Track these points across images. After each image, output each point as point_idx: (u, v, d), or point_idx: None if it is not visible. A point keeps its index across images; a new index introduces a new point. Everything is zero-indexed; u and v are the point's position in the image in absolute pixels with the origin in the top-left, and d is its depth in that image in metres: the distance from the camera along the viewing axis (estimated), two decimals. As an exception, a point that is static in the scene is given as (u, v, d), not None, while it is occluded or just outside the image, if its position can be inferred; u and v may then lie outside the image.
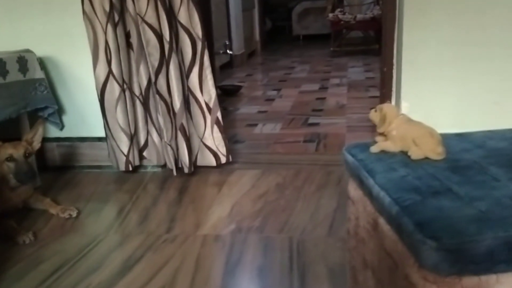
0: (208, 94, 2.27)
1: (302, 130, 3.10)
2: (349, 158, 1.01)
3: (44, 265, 1.66)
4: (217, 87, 3.48)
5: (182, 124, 2.24)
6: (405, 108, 2.28)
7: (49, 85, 2.37)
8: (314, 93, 4.21)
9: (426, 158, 0.95)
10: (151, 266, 1.62)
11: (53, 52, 2.42)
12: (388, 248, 0.84)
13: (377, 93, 3.79)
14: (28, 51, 2.26)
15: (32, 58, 2.26)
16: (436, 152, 0.95)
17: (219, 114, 2.32)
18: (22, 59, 2.20)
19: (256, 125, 3.27)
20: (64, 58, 2.43)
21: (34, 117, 2.38)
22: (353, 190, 1.02)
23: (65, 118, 2.51)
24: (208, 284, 1.51)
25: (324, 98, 3.98)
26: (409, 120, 1.00)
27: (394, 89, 2.45)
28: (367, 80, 4.63)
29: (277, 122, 3.31)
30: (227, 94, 4.26)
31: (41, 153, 2.51)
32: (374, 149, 1.00)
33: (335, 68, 5.46)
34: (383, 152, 1.00)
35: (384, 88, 2.48)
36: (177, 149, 2.30)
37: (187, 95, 2.27)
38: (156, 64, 2.15)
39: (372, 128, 2.98)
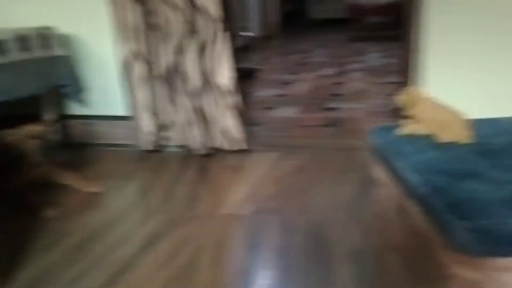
0: (226, 76, 2.29)
1: (320, 114, 3.10)
2: (376, 140, 1.03)
3: (69, 238, 1.72)
4: (235, 69, 3.50)
5: (200, 106, 2.26)
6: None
7: (72, 63, 2.40)
8: (332, 78, 4.19)
9: (454, 141, 0.96)
10: (175, 242, 1.66)
11: (76, 30, 2.44)
12: (416, 230, 0.85)
13: (396, 79, 3.77)
14: (49, 28, 2.28)
15: (53, 35, 2.28)
16: (464, 135, 0.96)
17: (237, 97, 2.33)
18: (44, 36, 2.22)
19: (273, 108, 3.28)
20: (86, 36, 2.46)
21: (59, 95, 2.42)
22: (379, 172, 1.04)
23: (87, 96, 2.54)
24: (230, 262, 1.54)
25: (342, 83, 3.96)
26: (437, 104, 1.01)
27: (415, 74, 2.44)
28: (386, 66, 4.59)
29: (294, 106, 3.31)
30: (243, 77, 4.25)
31: (64, 130, 2.56)
32: (401, 131, 1.02)
33: (353, 53, 5.41)
34: (410, 135, 1.01)
35: (406, 74, 2.46)
36: (195, 131, 2.32)
37: (205, 77, 2.28)
38: (178, 44, 2.17)
39: (392, 114, 2.98)
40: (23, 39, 2.08)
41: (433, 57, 2.24)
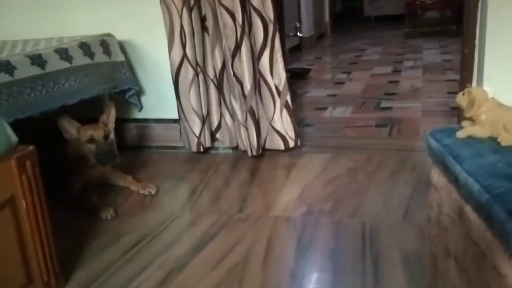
0: (278, 77, 2.27)
1: (374, 114, 3.03)
2: (434, 143, 0.98)
3: (125, 238, 1.77)
4: (286, 70, 3.48)
5: (251, 107, 2.26)
6: (488, 92, 2.15)
7: (130, 67, 2.48)
8: (386, 76, 4.08)
9: (518, 144, 0.90)
10: (225, 243, 1.67)
11: (131, 36, 2.52)
12: (475, 237, 0.80)
13: (455, 76, 3.61)
14: (109, 35, 2.37)
15: (113, 41, 2.37)
16: (529, 138, 0.89)
17: (288, 98, 2.31)
18: (105, 43, 2.31)
19: (325, 108, 3.24)
20: (141, 41, 2.53)
21: (115, 99, 2.51)
22: (437, 176, 0.99)
23: (142, 100, 2.62)
24: (280, 264, 1.54)
25: (397, 81, 3.85)
26: (500, 105, 0.95)
27: (475, 72, 2.32)
28: (444, 63, 4.41)
29: (347, 105, 3.25)
30: (296, 77, 4.23)
31: (120, 133, 2.65)
32: (461, 134, 0.96)
33: (409, 50, 5.25)
34: (470, 137, 0.95)
35: (464, 71, 2.35)
36: (247, 132, 2.33)
37: (257, 78, 2.28)
38: (232, 46, 2.18)
39: (450, 113, 2.87)
40: (86, 46, 2.18)
41: (492, 54, 2.12)
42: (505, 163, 0.83)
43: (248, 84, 2.21)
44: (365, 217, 1.76)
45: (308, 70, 4.42)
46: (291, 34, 3.93)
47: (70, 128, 2.05)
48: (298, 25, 4.62)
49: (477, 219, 0.80)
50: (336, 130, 2.78)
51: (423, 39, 5.79)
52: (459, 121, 2.52)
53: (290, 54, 5.06)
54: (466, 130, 0.96)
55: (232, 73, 2.22)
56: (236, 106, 2.29)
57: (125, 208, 2.02)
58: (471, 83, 2.38)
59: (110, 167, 2.20)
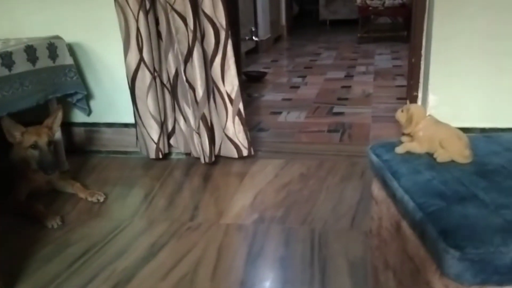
0: (231, 84, 2.26)
1: (327, 119, 3.08)
2: (374, 158, 1.01)
3: (71, 248, 1.72)
4: (241, 74, 3.49)
5: (204, 114, 2.24)
6: (432, 101, 2.24)
7: (78, 71, 2.41)
8: (340, 81, 4.16)
9: (453, 161, 0.93)
10: (175, 253, 1.65)
11: (83, 39, 2.45)
12: (411, 252, 0.83)
13: (405, 82, 3.72)
14: (58, 37, 2.29)
15: (61, 44, 2.30)
16: (463, 155, 0.93)
17: (241, 106, 2.30)
18: (52, 46, 2.24)
19: (280, 113, 3.27)
20: (93, 44, 2.47)
21: (64, 102, 2.43)
22: (377, 190, 1.02)
23: (93, 104, 2.55)
24: (230, 274, 1.54)
25: (350, 87, 3.94)
26: (437, 122, 0.99)
27: (421, 80, 2.41)
28: (395, 68, 4.55)
29: (302, 110, 3.29)
30: (252, 81, 4.25)
31: (69, 137, 2.58)
32: (399, 149, 0.99)
33: (362, 55, 5.38)
34: (408, 153, 0.99)
35: (411, 79, 2.44)
36: (200, 138, 2.31)
37: (211, 85, 2.27)
38: (185, 52, 2.16)
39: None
40: (31, 50, 2.10)
41: (437, 63, 2.20)
42: (440, 181, 0.86)
43: (200, 91, 2.20)
44: (315, 224, 1.79)
45: (264, 74, 4.45)
46: (247, 38, 3.94)
47: (13, 131, 1.97)
48: (254, 29, 4.64)
49: (412, 235, 0.83)
50: (290, 135, 2.81)
51: (375, 44, 5.95)
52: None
53: (246, 56, 5.08)
54: (405, 146, 1.00)
55: (185, 78, 2.20)
56: (189, 112, 2.27)
57: (73, 216, 1.97)
58: (417, 91, 2.47)
59: (57, 173, 2.13)
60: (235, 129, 2.31)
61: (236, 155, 2.36)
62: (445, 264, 0.70)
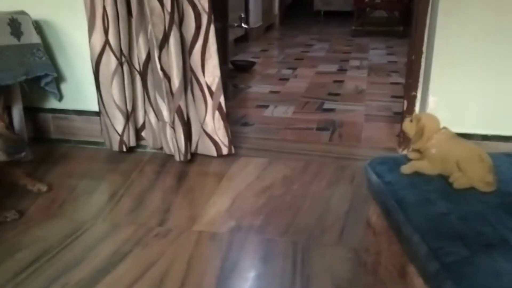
0: (212, 75, 2.04)
1: (316, 115, 2.89)
2: (374, 178, 0.82)
3: (21, 253, 1.51)
4: (228, 62, 3.26)
5: (179, 107, 2.02)
6: (432, 103, 2.06)
7: (46, 51, 2.18)
8: (331, 75, 3.97)
9: (472, 188, 0.75)
10: (138, 264, 1.45)
11: (50, 16, 2.21)
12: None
13: (400, 80, 3.55)
14: (22, 13, 2.06)
15: (26, 20, 2.07)
16: (485, 181, 0.75)
17: (222, 100, 2.08)
18: (15, 21, 2.00)
19: (267, 106, 3.06)
20: (62, 22, 2.23)
21: (32, 85, 2.20)
22: (376, 217, 0.83)
23: (62, 89, 2.33)
24: (199, 291, 1.34)
25: (342, 81, 3.74)
26: (453, 137, 0.80)
27: (421, 80, 2.22)
28: (389, 64, 4.37)
29: (289, 104, 3.10)
30: (239, 70, 4.04)
31: (34, 124, 2.35)
32: (406, 169, 0.80)
33: (355, 49, 5.18)
34: (416, 173, 0.80)
35: (410, 78, 2.24)
36: (174, 133, 2.09)
37: (189, 75, 2.05)
38: (160, 36, 1.93)
39: (392, 119, 2.77)
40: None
41: (440, 62, 2.02)
42: (458, 216, 0.67)
43: (176, 81, 1.97)
44: (298, 236, 1.60)
45: (253, 64, 4.24)
46: (236, 24, 3.70)
47: None
48: (243, 16, 4.41)
49: (423, 286, 0.64)
50: (276, 132, 2.61)
51: (370, 38, 5.76)
52: (401, 130, 2.43)
53: (235, 45, 4.86)
54: (413, 165, 0.81)
55: (159, 66, 1.97)
56: (162, 105, 2.04)
57: (28, 215, 1.75)
58: (416, 91, 2.28)
59: (9, 163, 1.90)
60: (214, 125, 2.10)
61: (215, 153, 2.15)
62: None
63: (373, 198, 0.84)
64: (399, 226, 0.69)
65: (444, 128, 0.81)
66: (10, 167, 1.96)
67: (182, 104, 2.02)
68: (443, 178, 0.78)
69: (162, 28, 1.91)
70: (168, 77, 1.98)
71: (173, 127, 2.05)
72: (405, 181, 0.78)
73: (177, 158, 2.12)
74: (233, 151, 2.17)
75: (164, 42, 1.94)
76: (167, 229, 1.65)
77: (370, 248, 0.86)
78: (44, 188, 1.90)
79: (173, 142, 2.09)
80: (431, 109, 2.05)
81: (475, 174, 0.74)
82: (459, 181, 0.75)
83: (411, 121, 0.82)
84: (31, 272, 1.41)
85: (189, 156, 2.12)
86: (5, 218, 1.68)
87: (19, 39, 2.04)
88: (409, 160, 0.82)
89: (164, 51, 1.95)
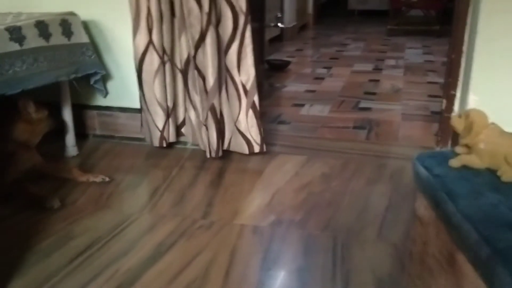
0: (246, 74, 2.08)
1: (352, 114, 2.90)
2: (422, 171, 0.84)
3: (74, 242, 1.60)
4: (264, 62, 3.31)
5: (213, 105, 2.07)
6: (473, 101, 2.05)
7: (94, 50, 2.27)
8: (367, 74, 3.96)
9: (521, 181, 0.77)
10: (184, 254, 1.52)
11: (97, 16, 2.31)
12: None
13: (437, 79, 3.52)
14: (72, 14, 2.16)
15: (76, 21, 2.16)
16: (534, 174, 0.77)
17: (256, 98, 2.11)
18: (66, 22, 2.10)
19: (303, 105, 3.09)
20: (108, 23, 2.32)
21: (79, 83, 2.31)
22: (423, 208, 0.86)
23: (107, 87, 2.42)
24: (243, 281, 1.39)
25: (378, 80, 3.73)
26: (502, 132, 0.82)
27: (461, 79, 2.21)
28: (426, 64, 4.32)
29: (326, 103, 3.12)
30: (274, 69, 4.08)
31: (81, 121, 2.46)
32: (454, 163, 0.83)
33: (391, 48, 5.14)
34: (465, 167, 0.82)
35: (450, 76, 2.24)
36: (209, 131, 2.14)
37: (224, 74, 2.11)
38: (196, 36, 1.99)
39: (430, 118, 2.76)
40: (43, 25, 1.97)
41: (481, 62, 2.01)
42: (508, 206, 0.70)
43: (211, 79, 2.02)
44: (338, 231, 1.63)
45: (288, 63, 4.27)
46: (272, 24, 3.75)
47: (29, 108, 2.00)
48: (279, 15, 4.45)
49: (472, 272, 0.67)
50: (313, 130, 2.64)
51: (406, 37, 5.70)
52: (440, 128, 2.41)
53: (270, 44, 4.90)
54: (461, 158, 0.83)
55: (195, 66, 2.03)
56: (198, 102, 2.11)
57: (78, 206, 1.84)
58: (455, 90, 2.27)
59: (41, 158, 2.03)
60: (247, 123, 2.14)
61: (247, 151, 2.19)
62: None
63: (421, 190, 0.86)
64: (449, 216, 0.72)
65: (493, 123, 0.83)
66: (64, 164, 2.09)
67: (216, 102, 2.07)
68: (492, 172, 0.80)
69: (198, 29, 1.97)
70: (202, 76, 2.04)
71: (205, 125, 2.11)
72: (453, 174, 0.81)
73: (207, 154, 2.18)
74: (264, 149, 2.21)
75: (200, 42, 1.99)
76: (210, 221, 1.71)
77: (416, 238, 0.89)
78: (106, 178, 2.02)
79: (205, 139, 2.14)
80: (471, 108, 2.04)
81: (524, 167, 0.76)
82: (508, 174, 0.77)
83: (459, 117, 0.85)
84: (84, 259, 1.50)
85: (220, 153, 2.17)
86: (51, 205, 1.79)
87: (69, 39, 2.14)
88: (457, 154, 0.84)
89: (200, 50, 2.01)
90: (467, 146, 0.83)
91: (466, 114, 0.83)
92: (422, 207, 0.87)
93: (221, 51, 2.07)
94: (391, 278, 1.37)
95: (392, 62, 4.43)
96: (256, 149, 2.19)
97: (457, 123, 0.84)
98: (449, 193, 0.75)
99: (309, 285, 1.38)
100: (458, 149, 0.85)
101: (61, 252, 1.54)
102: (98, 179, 2.00)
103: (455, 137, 2.09)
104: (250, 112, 2.13)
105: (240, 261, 1.49)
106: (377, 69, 4.14)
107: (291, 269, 1.45)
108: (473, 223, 0.67)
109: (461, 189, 0.75)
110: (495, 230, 0.65)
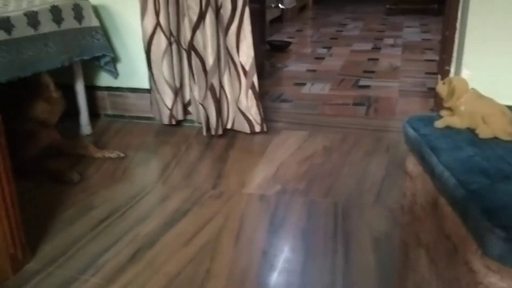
0: (246, 55, 2.17)
1: (352, 92, 3.02)
2: (411, 131, 0.96)
3: (94, 211, 1.73)
4: (265, 42, 3.40)
5: (212, 84, 2.18)
6: (465, 75, 2.16)
7: (104, 33, 2.38)
8: (366, 53, 4.06)
9: (495, 138, 0.89)
10: (197, 220, 1.65)
11: (107, 1, 2.41)
12: (448, 231, 0.80)
13: (434, 57, 3.62)
14: (83, -2, 2.26)
15: (87, 5, 2.27)
16: (507, 132, 0.89)
17: (255, 79, 2.21)
18: (78, 7, 2.20)
19: (304, 84, 3.20)
20: (116, 6, 2.43)
21: (91, 65, 2.42)
22: (412, 165, 0.98)
23: (117, 68, 2.53)
24: (252, 243, 1.53)
25: (376, 59, 3.83)
26: (480, 96, 0.94)
27: (455, 55, 2.31)
28: (424, 42, 4.41)
29: (326, 82, 3.23)
30: (275, 50, 4.17)
31: (93, 101, 2.57)
32: (439, 124, 0.95)
33: (389, 27, 5.23)
34: (448, 128, 0.94)
35: (444, 53, 2.34)
36: (209, 109, 2.25)
37: (224, 54, 2.20)
38: (194, 18, 2.08)
39: (426, 94, 2.88)
40: (57, 10, 2.07)
41: (473, 37, 2.11)
42: (482, 157, 0.82)
43: (210, 59, 2.12)
44: (338, 198, 1.76)
45: (289, 43, 4.36)
46: (273, 5, 3.84)
47: (51, 86, 2.09)
48: (280, -4, 4.53)
49: (451, 213, 0.79)
50: (314, 107, 2.76)
51: (404, 16, 5.77)
52: (435, 103, 2.53)
53: (271, 25, 4.97)
54: (445, 120, 0.95)
55: (191, 46, 2.13)
56: (201, 82, 2.21)
57: (96, 180, 1.97)
58: (449, 66, 2.38)
59: (59, 136, 2.16)
60: (247, 103, 2.24)
61: (248, 130, 2.30)
62: (488, 244, 0.66)
63: (410, 149, 0.98)
64: (433, 167, 0.84)
65: (472, 89, 0.95)
66: (80, 141, 2.21)
67: (215, 82, 2.18)
68: (471, 131, 0.92)
69: (197, 10, 2.06)
70: (200, 56, 2.14)
71: (201, 104, 2.22)
72: (438, 133, 0.93)
73: (204, 132, 2.28)
74: (265, 128, 2.30)
75: (198, 24, 2.08)
76: (219, 191, 1.84)
77: (406, 192, 1.01)
78: (121, 154, 2.15)
79: (201, 116, 2.26)
80: (464, 82, 2.15)
81: (498, 126, 0.88)
82: (484, 132, 0.89)
83: (443, 83, 0.97)
84: (105, 226, 1.63)
85: (220, 131, 2.28)
86: (71, 179, 1.92)
87: (80, 23, 2.24)
88: (442, 117, 0.96)
89: (198, 32, 2.10)
90: (449, 109, 0.95)
91: (449, 81, 0.94)
92: (411, 164, 0.99)
93: (221, 32, 2.16)
94: (386, 237, 1.50)
95: (390, 41, 4.52)
96: (257, 128, 2.30)
97: (441, 89, 0.96)
98: (433, 148, 0.87)
99: (313, 243, 1.51)
100: (442, 112, 0.97)
101: (83, 220, 1.67)
102: (114, 154, 2.12)
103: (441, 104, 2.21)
104: (250, 92, 2.24)
105: (248, 226, 1.62)
106: (376, 48, 4.24)
107: (296, 230, 1.58)
108: (451, 171, 0.79)
109: (443, 145, 0.87)
110: (470, 175, 0.77)
